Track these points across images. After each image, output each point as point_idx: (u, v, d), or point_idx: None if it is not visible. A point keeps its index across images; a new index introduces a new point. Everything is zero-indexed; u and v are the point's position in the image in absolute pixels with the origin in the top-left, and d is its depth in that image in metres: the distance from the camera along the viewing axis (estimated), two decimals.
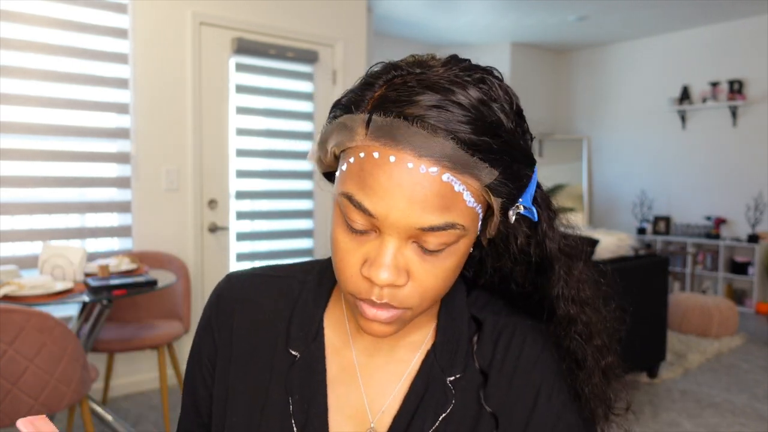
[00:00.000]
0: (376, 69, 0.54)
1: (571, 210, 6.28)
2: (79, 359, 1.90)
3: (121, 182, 3.17)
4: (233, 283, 0.67)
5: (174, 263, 2.96)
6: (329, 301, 0.65)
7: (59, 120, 2.97)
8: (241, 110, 3.57)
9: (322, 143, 0.56)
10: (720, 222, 5.63)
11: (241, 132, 3.56)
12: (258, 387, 0.62)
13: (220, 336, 0.65)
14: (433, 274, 0.51)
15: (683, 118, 5.93)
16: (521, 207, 0.55)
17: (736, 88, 5.51)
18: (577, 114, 6.89)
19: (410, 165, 0.47)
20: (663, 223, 6.03)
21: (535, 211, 0.58)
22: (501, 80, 0.54)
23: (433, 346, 0.61)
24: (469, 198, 0.49)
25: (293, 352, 0.62)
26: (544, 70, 6.80)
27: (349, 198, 0.50)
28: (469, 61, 0.55)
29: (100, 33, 3.08)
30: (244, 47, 3.49)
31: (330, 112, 0.55)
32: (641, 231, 6.13)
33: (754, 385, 3.45)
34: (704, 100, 5.71)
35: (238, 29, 3.51)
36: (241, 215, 3.60)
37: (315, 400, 0.60)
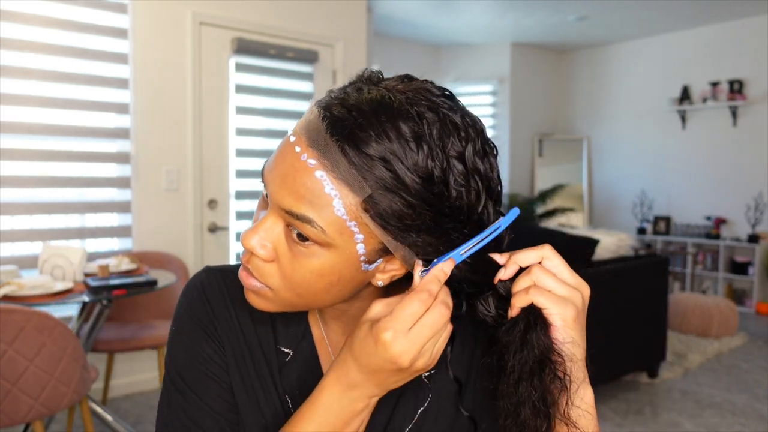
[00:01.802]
0: (360, 73, 0.56)
1: (571, 210, 6.28)
2: (79, 359, 1.90)
3: (121, 182, 3.17)
4: (214, 277, 0.66)
5: (174, 263, 2.96)
6: None
7: (59, 120, 2.97)
8: (241, 110, 3.57)
9: None
10: (720, 222, 5.63)
11: (241, 132, 3.56)
12: (253, 385, 0.62)
13: (216, 328, 0.63)
14: (293, 266, 0.52)
15: (683, 118, 5.93)
16: (419, 265, 0.52)
17: (736, 88, 5.50)
18: (577, 114, 6.89)
19: (297, 149, 0.50)
20: (663, 223, 6.03)
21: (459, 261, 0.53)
22: (465, 120, 0.52)
23: None
24: (339, 207, 0.49)
25: (285, 350, 0.63)
26: (544, 70, 6.79)
27: (265, 169, 0.54)
28: (430, 89, 0.53)
29: (100, 33, 3.08)
30: (244, 47, 3.49)
31: None
32: (641, 231, 6.13)
33: (754, 385, 3.45)
34: (704, 100, 5.71)
35: (238, 29, 3.51)
36: (241, 215, 3.60)
37: None
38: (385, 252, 0.53)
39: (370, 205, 0.49)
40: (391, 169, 0.48)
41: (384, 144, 0.48)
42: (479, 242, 0.53)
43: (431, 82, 0.54)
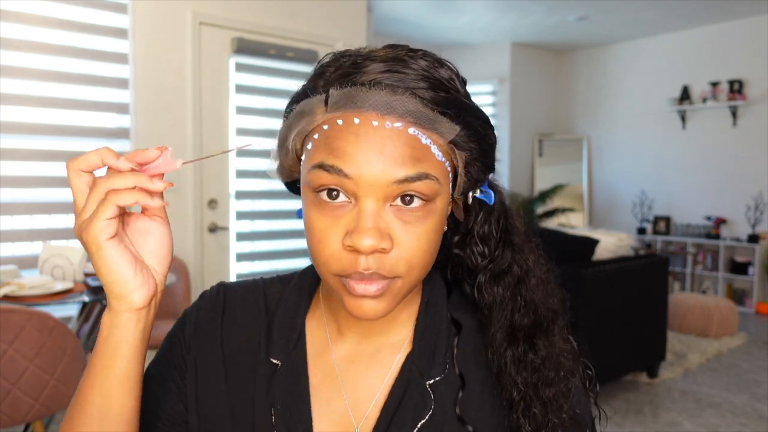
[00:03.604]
0: (325, 60, 0.54)
1: (571, 210, 6.28)
2: (79, 359, 1.90)
3: None
4: (217, 298, 0.66)
5: (174, 263, 2.96)
6: (310, 306, 0.64)
7: (59, 120, 2.97)
8: (241, 110, 3.57)
9: (282, 144, 0.55)
10: (720, 222, 5.63)
11: (241, 132, 3.56)
12: (241, 398, 0.60)
13: (210, 342, 0.63)
14: (416, 236, 0.51)
15: (683, 118, 5.93)
16: (478, 190, 0.58)
17: (736, 88, 5.51)
18: (577, 114, 6.89)
19: (375, 123, 0.48)
20: (663, 223, 6.03)
21: (492, 194, 0.59)
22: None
23: (412, 348, 0.60)
24: (437, 151, 0.51)
25: (274, 361, 0.60)
26: (544, 70, 6.79)
27: (321, 166, 0.49)
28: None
29: (100, 33, 3.08)
30: (244, 47, 3.49)
31: (284, 112, 0.56)
32: (641, 231, 6.13)
33: (754, 385, 3.45)
34: (704, 100, 5.71)
35: (238, 29, 3.51)
36: (241, 215, 3.60)
37: (298, 409, 0.58)
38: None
39: (460, 132, 0.51)
40: (456, 95, 0.51)
41: (435, 76, 0.50)
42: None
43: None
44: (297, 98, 0.54)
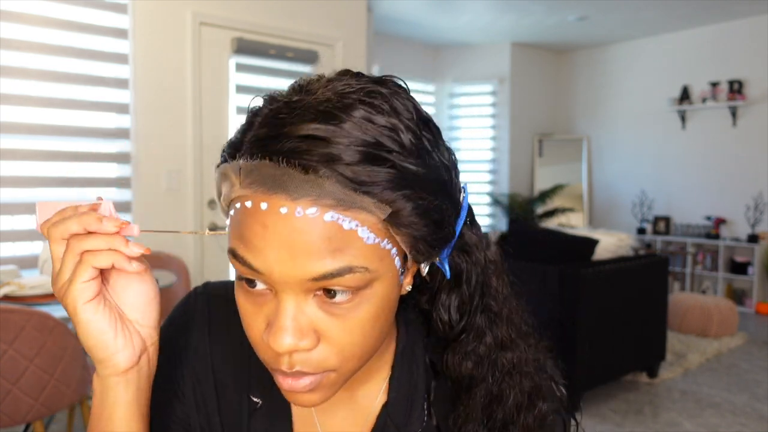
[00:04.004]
0: (256, 104, 0.47)
1: (571, 210, 6.28)
2: (79, 359, 1.90)
3: (121, 182, 3.17)
4: (203, 304, 0.61)
5: (174, 263, 2.96)
6: None
7: (59, 120, 2.97)
8: (242, 110, 3.57)
9: (218, 195, 0.49)
10: (720, 222, 5.63)
11: None
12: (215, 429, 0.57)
13: (207, 350, 0.59)
14: (346, 329, 0.44)
15: (683, 118, 5.93)
16: (435, 258, 0.48)
17: (736, 88, 5.51)
18: (577, 114, 6.89)
19: (283, 210, 0.41)
20: (663, 223, 6.03)
21: (447, 266, 0.50)
22: (400, 89, 0.46)
23: (387, 400, 0.56)
24: (366, 234, 0.42)
25: (254, 399, 0.57)
26: (544, 70, 6.80)
27: (233, 254, 0.44)
28: (361, 74, 0.47)
29: (100, 33, 3.08)
30: (244, 47, 3.49)
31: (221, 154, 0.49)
32: (641, 231, 6.13)
33: (754, 385, 3.45)
34: (704, 100, 5.71)
35: (238, 29, 3.51)
36: None
37: None
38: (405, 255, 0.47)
39: (394, 212, 0.42)
40: (387, 165, 0.41)
41: (360, 143, 0.41)
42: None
43: (320, 75, 0.48)
44: (226, 152, 0.46)
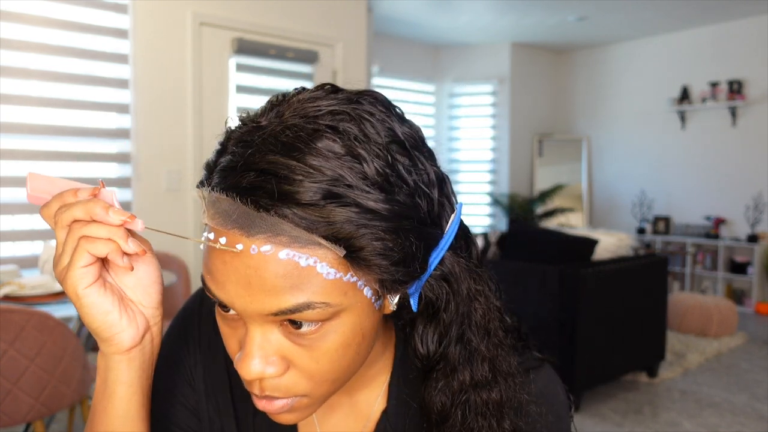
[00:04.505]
0: (232, 125, 0.47)
1: (570, 210, 6.29)
2: (79, 359, 1.91)
3: (122, 182, 3.17)
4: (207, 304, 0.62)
5: (174, 263, 2.96)
6: None
7: (59, 120, 2.98)
8: (242, 110, 3.55)
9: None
10: (719, 222, 5.64)
11: None
12: (226, 428, 0.59)
13: (207, 356, 0.60)
14: (313, 358, 0.44)
15: (683, 118, 5.94)
16: (403, 291, 0.46)
17: (736, 88, 5.51)
18: (577, 114, 6.89)
19: (239, 246, 0.40)
20: (663, 223, 6.04)
21: (415, 303, 0.47)
22: (376, 108, 0.44)
23: (387, 406, 0.56)
24: (326, 270, 0.41)
25: None
26: (544, 70, 6.80)
27: (203, 281, 0.45)
28: (338, 90, 0.46)
29: (100, 33, 3.08)
30: (244, 47, 3.49)
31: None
32: (641, 231, 6.14)
33: (754, 385, 3.45)
34: (704, 101, 5.72)
35: (238, 29, 3.51)
36: None
37: None
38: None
39: (354, 251, 0.41)
40: (345, 203, 0.40)
41: (318, 180, 0.39)
42: None
43: (301, 88, 0.47)
44: (205, 169, 0.46)
